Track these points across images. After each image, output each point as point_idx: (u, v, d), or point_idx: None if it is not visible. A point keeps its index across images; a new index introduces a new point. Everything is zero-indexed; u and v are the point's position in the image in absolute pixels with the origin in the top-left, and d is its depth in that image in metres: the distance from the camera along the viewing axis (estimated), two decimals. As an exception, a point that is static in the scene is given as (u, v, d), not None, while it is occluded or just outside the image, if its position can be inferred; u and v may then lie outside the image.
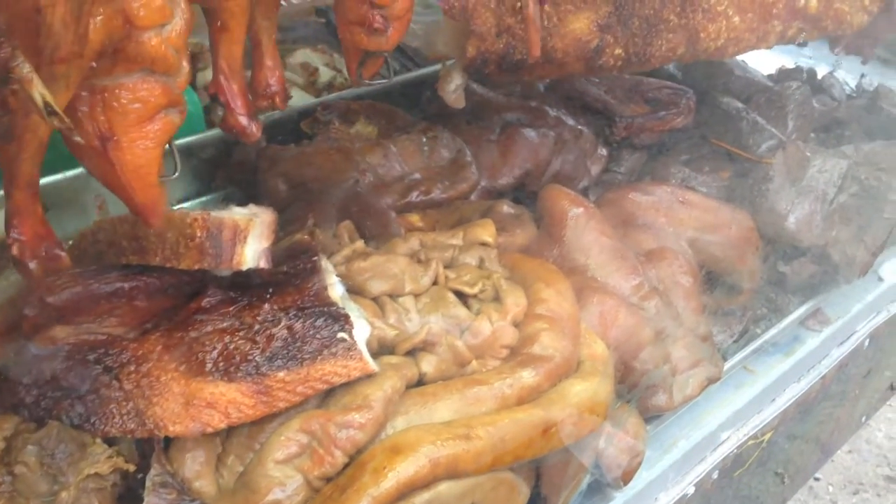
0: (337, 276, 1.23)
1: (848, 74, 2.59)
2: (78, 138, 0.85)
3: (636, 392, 1.48)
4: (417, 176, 1.89)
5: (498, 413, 1.18)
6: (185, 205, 1.96)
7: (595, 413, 1.28)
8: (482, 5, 1.47)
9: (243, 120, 1.23)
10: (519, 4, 1.45)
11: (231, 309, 1.19)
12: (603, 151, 2.09)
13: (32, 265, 0.96)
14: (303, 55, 2.48)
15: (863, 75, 2.46)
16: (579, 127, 2.06)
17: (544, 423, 1.20)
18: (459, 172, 1.91)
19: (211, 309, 1.20)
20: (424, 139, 1.94)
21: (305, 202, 1.80)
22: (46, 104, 0.70)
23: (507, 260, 1.48)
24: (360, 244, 1.45)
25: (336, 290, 1.20)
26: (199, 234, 1.14)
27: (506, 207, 1.72)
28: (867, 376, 2.24)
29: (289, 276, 1.21)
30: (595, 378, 1.29)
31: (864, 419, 2.46)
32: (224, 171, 1.97)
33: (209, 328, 1.16)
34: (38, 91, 0.69)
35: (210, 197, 2.00)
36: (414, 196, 1.83)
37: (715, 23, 1.66)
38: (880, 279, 2.05)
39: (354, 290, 1.33)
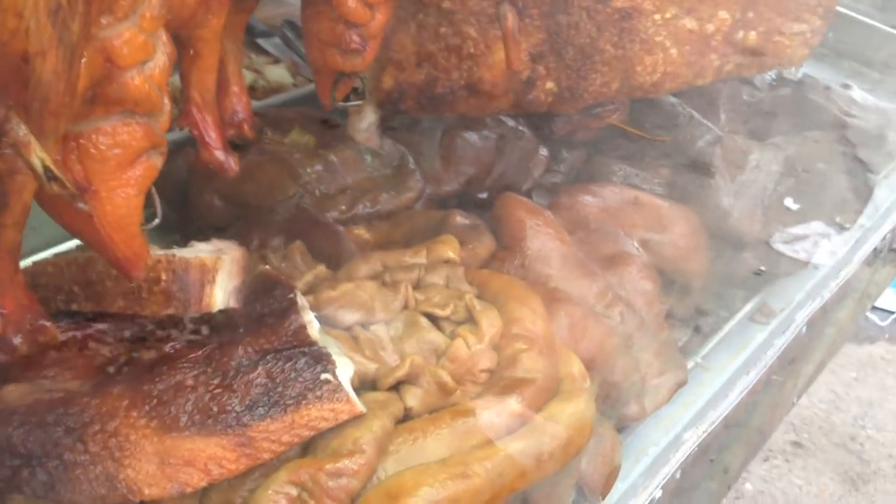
0: (309, 310, 1.16)
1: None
2: (82, 205, 0.75)
3: (615, 406, 1.46)
4: (361, 186, 1.81)
5: (492, 447, 1.13)
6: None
7: (583, 434, 1.25)
8: (401, 31, 1.39)
9: (220, 155, 1.14)
10: (443, 30, 1.37)
11: (199, 354, 1.10)
12: (544, 152, 2.06)
13: (17, 340, 0.85)
14: (220, 58, 2.36)
15: (782, 64, 2.51)
16: (520, 128, 2.03)
17: (538, 452, 1.16)
18: (405, 181, 1.84)
19: (176, 355, 1.10)
20: (365, 147, 1.86)
21: (246, 221, 1.71)
22: (46, 169, 0.61)
23: (474, 277, 1.42)
24: (321, 269, 1.38)
25: (314, 327, 1.12)
26: (164, 277, 1.05)
27: (459, 218, 1.66)
28: (802, 361, 2.29)
29: (262, 315, 1.13)
30: (580, 398, 1.26)
31: (796, 399, 2.53)
32: (153, 187, 1.84)
33: (179, 377, 1.07)
34: (37, 155, 0.60)
35: (137, 217, 1.87)
36: (360, 208, 1.76)
37: (652, 55, 1.60)
38: (815, 268, 2.10)
39: (324, 322, 1.26)
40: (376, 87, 1.42)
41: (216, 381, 1.06)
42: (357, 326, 1.26)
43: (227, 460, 1.03)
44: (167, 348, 1.11)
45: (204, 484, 1.03)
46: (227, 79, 1.19)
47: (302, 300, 1.13)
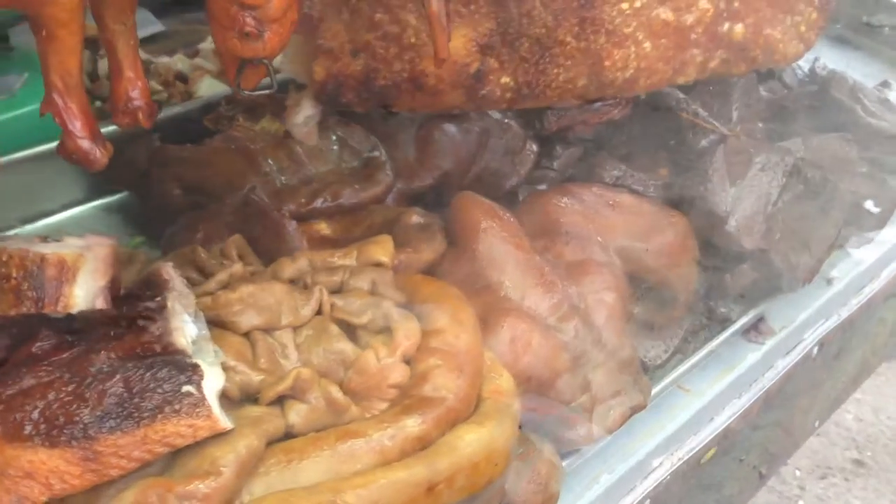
0: (189, 313, 1.07)
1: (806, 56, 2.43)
2: None
3: (557, 428, 1.34)
4: (325, 178, 1.72)
5: (373, 472, 1.03)
6: (69, 213, 1.78)
7: (492, 462, 1.13)
8: (332, 17, 1.27)
9: (84, 144, 1.06)
10: (378, 16, 1.25)
11: (65, 356, 1.03)
12: (533, 147, 1.93)
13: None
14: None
15: (816, 59, 2.30)
16: (506, 121, 1.90)
17: (428, 480, 1.05)
18: (373, 174, 1.74)
19: (42, 356, 1.03)
20: (334, 137, 1.76)
21: (195, 212, 1.63)
22: None
23: (406, 282, 1.32)
24: (237, 267, 1.29)
25: (187, 332, 1.03)
26: (14, 274, 0.97)
27: (415, 217, 1.56)
28: (819, 384, 2.11)
29: (133, 318, 1.05)
30: (491, 422, 1.14)
31: (816, 424, 2.34)
32: (113, 173, 1.79)
33: (31, 381, 0.99)
34: None
35: (98, 202, 1.82)
36: (320, 202, 1.66)
37: (622, 48, 1.44)
38: (829, 283, 1.92)
39: (222, 326, 1.17)
40: (309, 78, 1.31)
41: (69, 389, 0.99)
42: (257, 332, 1.17)
43: (71, 475, 0.95)
44: (34, 348, 1.04)
45: (45, 499, 0.95)
46: (119, 62, 1.11)
47: (174, 302, 1.04)
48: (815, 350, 1.93)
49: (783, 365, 1.83)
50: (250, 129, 1.85)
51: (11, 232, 1.68)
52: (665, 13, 1.42)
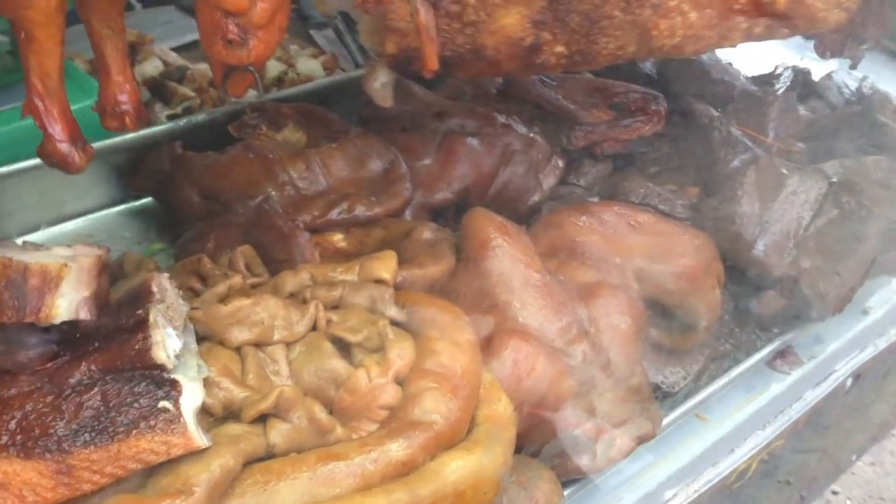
0: (175, 327, 1.05)
1: (855, 74, 2.34)
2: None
3: (560, 455, 1.30)
4: (342, 190, 1.70)
5: (351, 497, 1.00)
6: (92, 217, 1.80)
7: (480, 490, 1.10)
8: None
9: (63, 147, 1.06)
10: None
11: (49, 366, 1.03)
12: (559, 162, 1.89)
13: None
14: (251, 48, 2.29)
15: (864, 77, 2.21)
16: (531, 135, 1.86)
17: (409, 508, 1.02)
18: (391, 187, 1.72)
19: (27, 365, 1.03)
20: (353, 148, 1.75)
21: (208, 220, 1.63)
22: None
23: (406, 300, 1.29)
24: (236, 279, 1.28)
25: (169, 346, 1.02)
26: (-4, 283, 0.97)
27: (427, 232, 1.53)
28: (854, 417, 2.03)
29: (117, 330, 1.04)
30: (480, 449, 1.10)
31: (854, 458, 2.25)
32: (136, 178, 1.80)
33: (13, 391, 0.99)
34: None
35: (121, 207, 1.84)
36: (335, 213, 1.65)
37: (668, 19, 1.47)
38: (864, 312, 1.84)
39: (213, 339, 1.16)
40: (382, 52, 1.39)
41: (48, 400, 0.98)
42: (248, 347, 1.16)
43: (44, 488, 0.95)
44: (20, 356, 1.04)
45: (17, 510, 0.95)
46: (107, 66, 1.10)
47: (157, 314, 1.02)
48: (849, 382, 1.85)
49: (812, 396, 1.75)
50: (272, 137, 1.85)
51: (34, 234, 1.71)
52: (709, -15, 1.45)
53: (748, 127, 1.93)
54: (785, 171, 1.75)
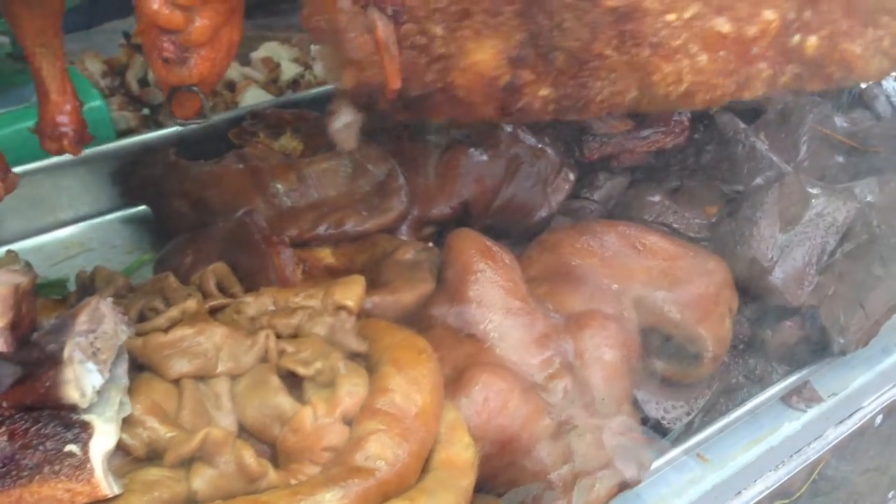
0: (98, 360, 0.99)
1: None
2: None
3: (514, 497, 1.20)
4: (334, 203, 1.63)
5: (271, 553, 0.93)
6: (85, 224, 1.76)
7: (423, 544, 1.01)
8: (356, 27, 1.18)
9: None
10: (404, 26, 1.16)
11: (-33, 400, 0.98)
12: (569, 176, 1.78)
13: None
14: (267, 49, 2.25)
15: (917, 86, 2.05)
16: (540, 146, 1.76)
17: (336, 566, 0.94)
18: (385, 200, 1.64)
19: (-54, 397, 0.98)
20: (349, 159, 1.67)
21: (191, 233, 1.58)
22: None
23: (369, 330, 1.21)
24: (190, 303, 1.21)
25: (86, 383, 0.96)
26: None
27: (409, 253, 1.45)
28: (890, 455, 1.88)
29: (36, 363, 0.98)
30: (423, 498, 1.02)
31: (891, 495, 2.09)
32: (130, 186, 1.76)
33: (-75, 426, 0.94)
34: None
35: (116, 215, 1.80)
36: (323, 228, 1.58)
37: (671, 62, 1.28)
38: (884, 351, 1.68)
39: (152, 370, 1.10)
40: (342, 87, 1.26)
41: (-43, 437, 0.93)
42: (188, 380, 1.09)
43: (-56, 531, 0.90)
44: (-56, 388, 0.99)
45: (-82, 554, 0.90)
46: (45, 86, 1.05)
47: (72, 350, 0.96)
48: (879, 419, 1.71)
49: (835, 435, 1.62)
50: (269, 145, 1.78)
51: (26, 242, 1.68)
52: (722, 25, 1.25)
53: (777, 141, 1.79)
54: (813, 191, 1.62)
